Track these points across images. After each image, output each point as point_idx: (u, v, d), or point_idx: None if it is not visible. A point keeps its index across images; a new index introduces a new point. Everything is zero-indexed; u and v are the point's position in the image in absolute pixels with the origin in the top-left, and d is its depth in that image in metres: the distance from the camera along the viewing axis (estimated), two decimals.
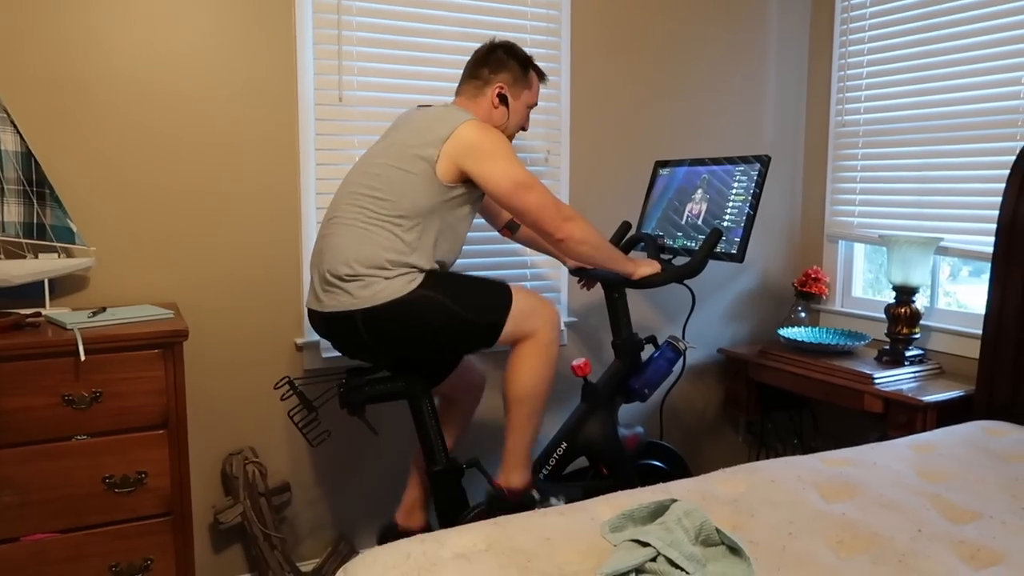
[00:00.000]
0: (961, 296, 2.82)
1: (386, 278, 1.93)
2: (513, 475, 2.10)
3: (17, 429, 1.76)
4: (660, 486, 1.70)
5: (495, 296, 2.03)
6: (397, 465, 2.64)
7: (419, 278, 1.96)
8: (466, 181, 1.97)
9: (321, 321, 2.03)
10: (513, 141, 2.61)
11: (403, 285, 1.93)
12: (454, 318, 1.96)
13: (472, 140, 1.94)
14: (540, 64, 2.67)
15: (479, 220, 2.52)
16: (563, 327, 2.82)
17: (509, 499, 2.08)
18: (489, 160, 1.93)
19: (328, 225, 2.03)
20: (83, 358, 1.76)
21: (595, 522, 1.49)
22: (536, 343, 2.04)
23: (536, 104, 2.22)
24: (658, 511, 1.44)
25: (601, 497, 1.63)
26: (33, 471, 1.78)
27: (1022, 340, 2.23)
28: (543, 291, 2.79)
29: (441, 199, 1.96)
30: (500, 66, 2.12)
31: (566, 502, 2.05)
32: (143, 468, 1.87)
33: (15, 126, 1.97)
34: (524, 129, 2.23)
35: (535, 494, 2.13)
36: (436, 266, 2.03)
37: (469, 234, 2.17)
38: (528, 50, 2.64)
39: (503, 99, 2.12)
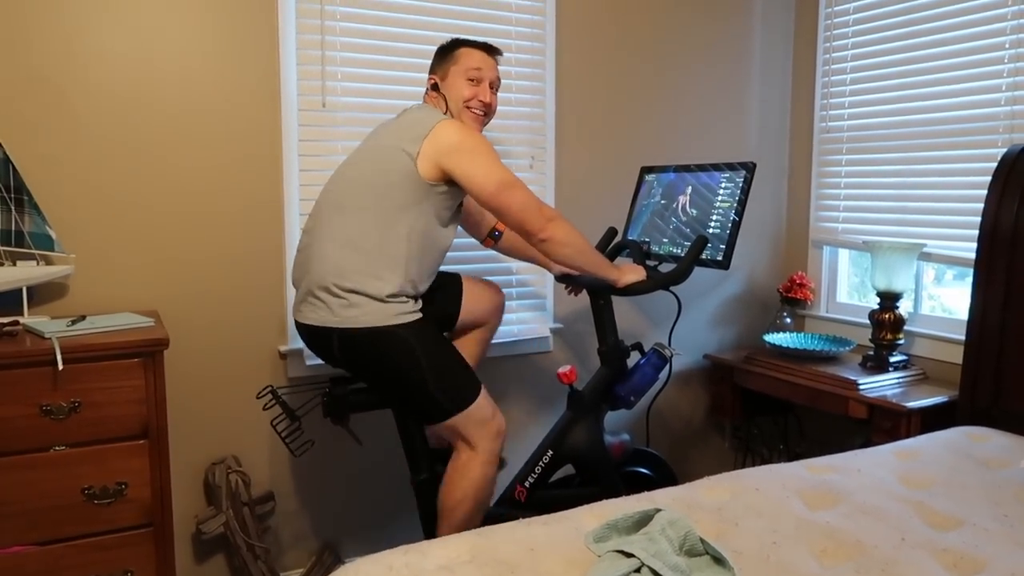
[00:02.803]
0: (946, 300, 2.84)
1: (374, 300, 1.91)
2: None
3: None
4: (645, 495, 1.70)
5: (464, 385, 2.02)
6: (381, 474, 2.62)
7: (410, 315, 1.95)
8: (448, 181, 1.96)
9: (303, 332, 2.03)
10: (495, 142, 2.61)
11: (388, 316, 1.92)
12: (416, 374, 1.95)
13: (452, 139, 1.92)
14: (526, 70, 2.68)
15: (461, 230, 2.51)
16: (548, 334, 2.82)
17: None
18: (471, 159, 1.92)
19: (310, 235, 2.02)
20: (61, 367, 1.73)
21: (579, 532, 1.48)
22: (476, 457, 2.04)
23: (479, 68, 2.07)
24: (642, 521, 1.44)
25: (586, 506, 1.62)
26: (10, 482, 1.75)
27: (1004, 346, 2.25)
28: (528, 298, 2.79)
29: (424, 197, 1.94)
30: (431, 65, 2.16)
31: None
32: (123, 479, 1.84)
33: None
34: (486, 104, 2.09)
35: None
36: (421, 282, 2.01)
37: (454, 241, 2.16)
38: (513, 56, 2.65)
39: (435, 87, 2.12)
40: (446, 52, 2.12)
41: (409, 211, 1.94)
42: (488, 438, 2.04)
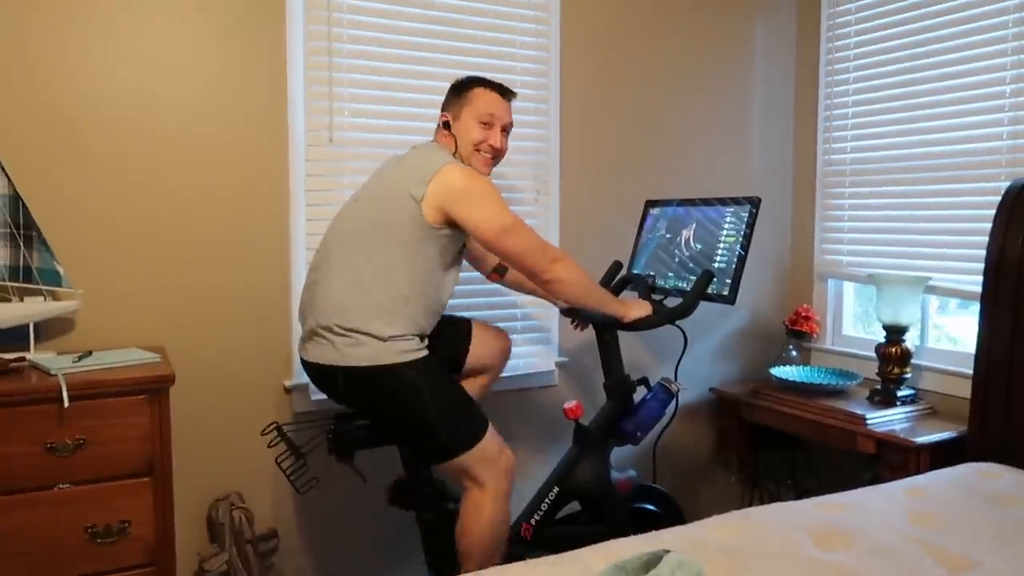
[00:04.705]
0: (950, 329, 2.83)
1: (379, 339, 1.91)
2: None
3: None
4: (652, 534, 1.68)
5: (470, 423, 2.00)
6: (386, 511, 2.59)
7: (416, 353, 1.94)
8: (452, 224, 1.97)
9: (309, 369, 2.03)
10: (500, 177, 2.62)
11: (394, 354, 1.91)
12: (421, 413, 1.93)
13: (456, 184, 1.92)
14: (530, 105, 2.70)
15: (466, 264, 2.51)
16: (554, 368, 2.81)
17: None
18: (473, 204, 1.92)
19: (316, 272, 2.02)
20: (67, 404, 1.73)
21: (587, 573, 1.46)
22: (485, 496, 2.00)
23: (492, 113, 2.08)
24: (651, 562, 1.42)
25: (593, 546, 1.60)
26: (14, 521, 1.73)
27: (1012, 379, 2.23)
28: (533, 331, 2.78)
29: (427, 240, 1.95)
30: (444, 101, 2.16)
31: None
32: (126, 517, 1.83)
33: (3, 168, 1.96)
34: (495, 148, 2.09)
35: None
36: (425, 323, 2.01)
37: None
38: (518, 91, 2.66)
39: (447, 125, 2.11)
40: (460, 91, 2.12)
41: (412, 253, 1.94)
42: (497, 476, 2.01)
